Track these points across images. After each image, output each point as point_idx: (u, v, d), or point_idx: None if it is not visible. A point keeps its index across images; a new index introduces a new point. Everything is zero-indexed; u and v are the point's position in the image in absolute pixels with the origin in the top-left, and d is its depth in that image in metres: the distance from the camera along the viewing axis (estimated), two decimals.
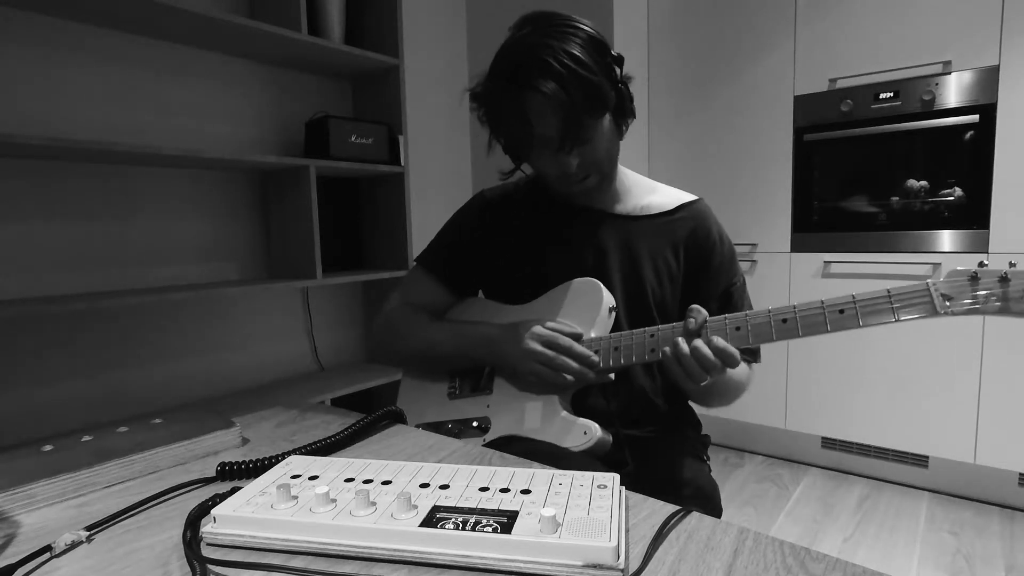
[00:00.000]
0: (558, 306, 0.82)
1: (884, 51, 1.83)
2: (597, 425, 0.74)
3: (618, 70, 0.77)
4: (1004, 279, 0.59)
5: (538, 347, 0.75)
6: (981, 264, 0.61)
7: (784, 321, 0.67)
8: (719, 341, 0.67)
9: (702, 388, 0.72)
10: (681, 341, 0.69)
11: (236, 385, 1.80)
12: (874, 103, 1.85)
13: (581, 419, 0.75)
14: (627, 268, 0.85)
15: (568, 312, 0.80)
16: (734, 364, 0.67)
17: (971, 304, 0.60)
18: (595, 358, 0.75)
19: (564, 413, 0.77)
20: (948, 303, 0.60)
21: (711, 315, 0.71)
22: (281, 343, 1.91)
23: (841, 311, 0.64)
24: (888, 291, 0.63)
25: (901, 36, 1.80)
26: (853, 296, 0.64)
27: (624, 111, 0.80)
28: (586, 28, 0.75)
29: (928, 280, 0.62)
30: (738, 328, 0.69)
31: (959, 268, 0.61)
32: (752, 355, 0.85)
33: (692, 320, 0.70)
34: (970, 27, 1.69)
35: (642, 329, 0.75)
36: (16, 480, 0.55)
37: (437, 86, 2.39)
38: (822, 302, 0.65)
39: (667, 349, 0.70)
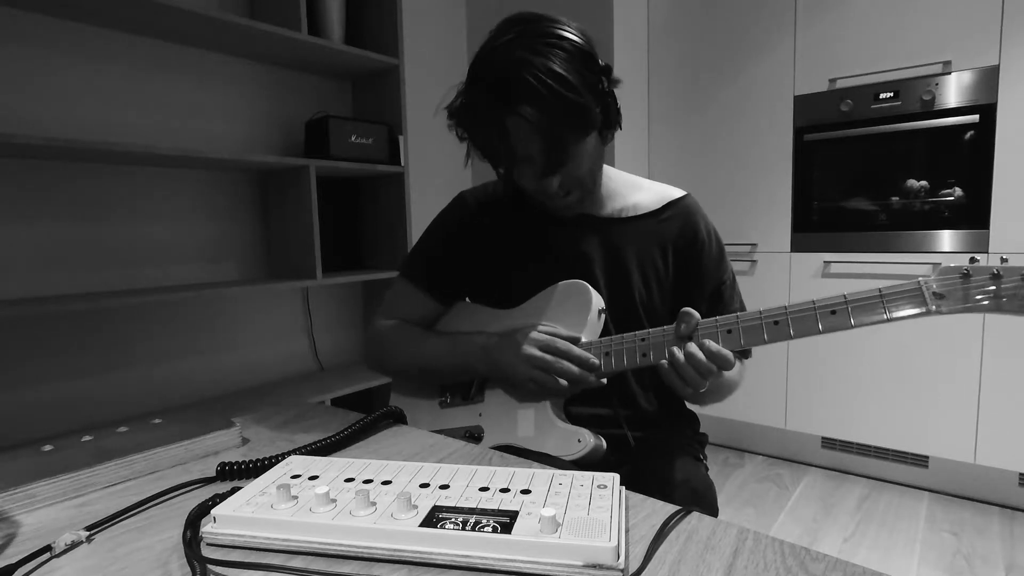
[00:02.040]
0: (547, 309, 0.80)
1: (884, 51, 1.83)
2: (590, 432, 0.73)
3: (605, 81, 0.73)
4: (996, 276, 0.58)
5: (536, 352, 0.74)
6: (972, 260, 0.60)
7: (775, 323, 0.66)
8: (712, 345, 0.67)
9: (690, 391, 0.71)
10: (675, 349, 0.68)
11: (236, 385, 1.80)
12: (874, 103, 1.85)
13: (574, 427, 0.74)
14: (613, 273, 0.83)
15: (557, 315, 0.79)
16: (729, 366, 0.67)
17: (963, 302, 0.59)
18: (595, 360, 0.74)
19: (557, 421, 0.76)
20: (940, 301, 0.60)
21: (702, 315, 0.70)
22: (281, 343, 1.91)
23: (833, 311, 0.64)
24: (879, 290, 0.62)
25: (901, 36, 1.80)
26: (844, 296, 0.64)
27: (610, 123, 0.76)
28: (573, 37, 0.70)
29: (920, 278, 0.61)
30: (729, 331, 0.68)
31: (951, 264, 0.61)
32: (743, 352, 0.84)
33: (684, 325, 0.69)
34: (970, 27, 1.69)
35: (632, 333, 0.74)
36: (16, 480, 0.55)
37: (437, 86, 2.39)
38: (813, 302, 0.65)
39: (664, 361, 0.70)
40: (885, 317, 0.62)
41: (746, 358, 0.86)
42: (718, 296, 0.85)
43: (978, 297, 0.59)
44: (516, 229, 0.87)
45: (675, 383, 0.70)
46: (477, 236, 0.88)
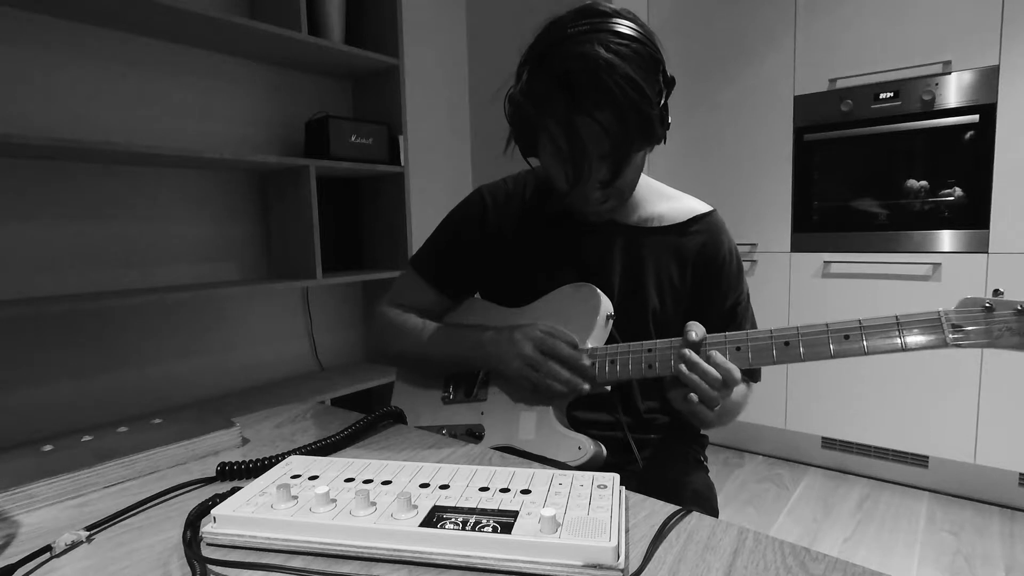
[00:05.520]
0: (555, 310, 0.80)
1: (884, 51, 1.82)
2: (590, 440, 0.73)
3: (666, 94, 0.69)
4: (1021, 312, 0.56)
5: (529, 350, 0.73)
6: (996, 292, 0.58)
7: (786, 344, 0.65)
8: (718, 357, 0.65)
9: (698, 408, 0.69)
10: (681, 359, 0.67)
11: (236, 385, 1.80)
12: (874, 103, 1.85)
13: (575, 434, 0.74)
14: (630, 282, 0.82)
15: (565, 317, 0.78)
16: (734, 382, 0.65)
17: (984, 337, 0.57)
18: (584, 361, 0.73)
19: (558, 426, 0.75)
20: (959, 335, 0.58)
21: (713, 331, 0.69)
22: (281, 343, 1.91)
23: (846, 336, 0.62)
24: (896, 317, 0.60)
25: (901, 36, 1.79)
26: (859, 321, 0.62)
27: (663, 138, 0.72)
28: (648, 43, 0.67)
29: (940, 309, 0.59)
30: (738, 348, 0.67)
31: (971, 296, 0.59)
32: (751, 375, 0.83)
33: (693, 333, 0.67)
34: (970, 27, 1.69)
35: (640, 343, 0.72)
36: (16, 480, 0.55)
37: (437, 86, 2.39)
38: (827, 325, 0.63)
39: (669, 373, 0.68)
40: (900, 345, 0.59)
41: (755, 381, 0.84)
42: (732, 314, 0.84)
43: (1001, 334, 0.57)
44: (538, 230, 0.86)
45: (683, 406, 0.69)
46: (493, 234, 0.87)
